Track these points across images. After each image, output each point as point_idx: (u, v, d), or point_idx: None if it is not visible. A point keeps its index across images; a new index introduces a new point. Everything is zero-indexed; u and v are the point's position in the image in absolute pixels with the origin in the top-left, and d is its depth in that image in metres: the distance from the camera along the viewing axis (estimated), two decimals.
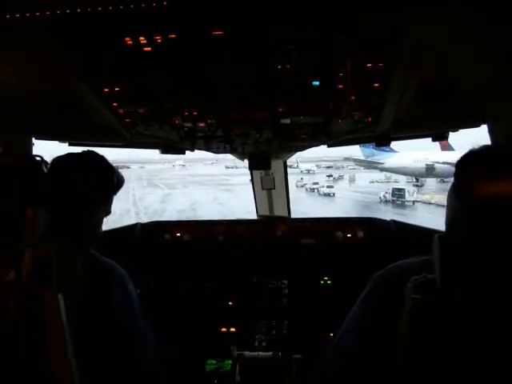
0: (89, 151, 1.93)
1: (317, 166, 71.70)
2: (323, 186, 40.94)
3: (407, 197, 30.45)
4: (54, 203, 1.59)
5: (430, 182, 47.01)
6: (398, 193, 31.67)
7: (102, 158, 1.90)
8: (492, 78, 1.73)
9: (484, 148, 1.49)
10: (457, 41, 1.40)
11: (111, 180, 1.90)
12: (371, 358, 1.44)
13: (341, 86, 1.69)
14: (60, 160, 1.83)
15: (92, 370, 1.44)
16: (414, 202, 30.30)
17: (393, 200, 31.81)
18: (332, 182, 51.45)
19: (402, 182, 49.38)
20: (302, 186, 45.85)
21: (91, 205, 1.84)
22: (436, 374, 1.20)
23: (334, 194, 37.36)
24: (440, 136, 2.43)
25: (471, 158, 1.49)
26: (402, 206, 29.60)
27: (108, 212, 1.97)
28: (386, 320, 1.40)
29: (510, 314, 1.14)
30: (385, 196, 32.70)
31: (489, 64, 1.61)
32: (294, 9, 1.23)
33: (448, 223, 1.27)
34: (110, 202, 1.95)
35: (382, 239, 3.23)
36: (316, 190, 41.72)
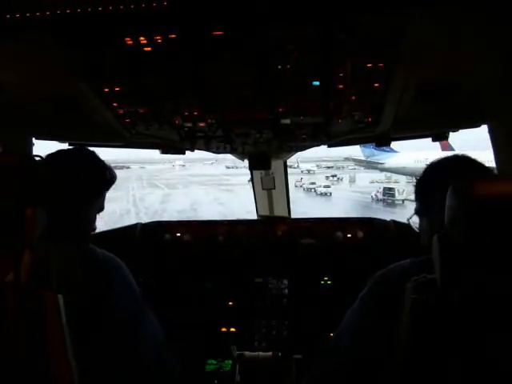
0: (79, 148, 1.98)
1: (317, 166, 71.66)
2: (320, 186, 41.70)
3: (397, 196, 31.41)
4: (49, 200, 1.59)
5: None
6: (389, 192, 32.76)
7: (92, 154, 1.93)
8: (492, 78, 1.73)
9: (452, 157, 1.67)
10: (457, 41, 1.40)
11: (103, 175, 1.92)
12: (369, 357, 1.44)
13: (341, 86, 1.69)
14: (51, 157, 1.86)
15: (93, 368, 1.44)
16: (403, 200, 31.09)
17: (383, 199, 32.84)
18: (337, 182, 51.74)
19: (403, 182, 49.39)
20: (300, 186, 45.99)
21: (84, 199, 1.85)
22: (436, 374, 1.20)
23: (330, 193, 38.27)
24: (440, 136, 2.43)
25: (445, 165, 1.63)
26: (393, 204, 30.56)
27: (101, 208, 1.98)
28: (384, 320, 1.40)
29: (510, 314, 1.13)
30: (376, 195, 33.70)
31: (489, 64, 1.61)
32: (294, 9, 1.23)
33: (447, 223, 1.27)
34: (102, 196, 1.96)
35: (382, 239, 3.22)
36: (313, 190, 42.23)
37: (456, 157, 1.70)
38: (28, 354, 1.27)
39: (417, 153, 43.80)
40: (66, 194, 1.76)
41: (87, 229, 1.90)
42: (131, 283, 1.82)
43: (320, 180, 48.71)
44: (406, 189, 32.07)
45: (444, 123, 2.27)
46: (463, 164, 1.65)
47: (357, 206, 32.13)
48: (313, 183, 44.94)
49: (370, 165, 54.81)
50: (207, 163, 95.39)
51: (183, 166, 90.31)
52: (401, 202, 31.23)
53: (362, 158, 56.00)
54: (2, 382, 1.27)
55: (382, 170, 52.63)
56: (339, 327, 1.64)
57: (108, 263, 1.78)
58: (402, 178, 50.02)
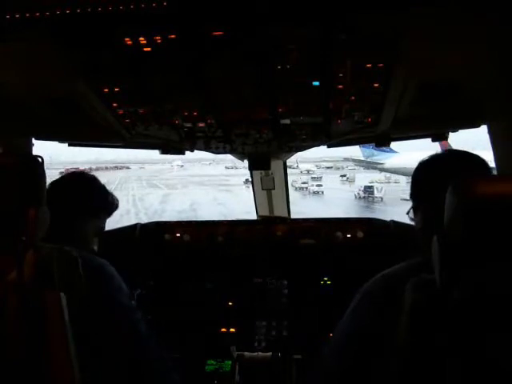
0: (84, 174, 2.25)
1: (316, 166, 71.74)
2: (312, 185, 43.66)
3: (376, 193, 34.33)
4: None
5: None
6: (369, 190, 35.45)
7: (94, 178, 2.21)
8: (492, 78, 1.73)
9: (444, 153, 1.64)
10: (457, 41, 1.40)
11: (102, 197, 2.18)
12: (368, 357, 1.44)
13: (341, 86, 1.69)
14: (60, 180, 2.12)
15: (91, 369, 1.44)
16: (381, 197, 34.08)
17: (364, 196, 35.44)
18: (347, 181, 53.51)
19: (403, 182, 49.47)
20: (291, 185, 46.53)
21: (78, 214, 2.03)
22: (436, 374, 1.20)
23: (322, 192, 40.24)
24: (440, 136, 2.43)
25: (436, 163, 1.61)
26: (373, 201, 33.39)
27: (100, 229, 2.22)
28: (380, 320, 1.40)
29: (510, 314, 1.13)
30: (359, 193, 36.21)
31: (489, 64, 1.61)
32: (294, 9, 1.23)
33: (446, 223, 1.27)
34: (99, 218, 2.18)
35: (382, 239, 3.22)
36: (305, 189, 43.65)
37: (451, 152, 1.67)
38: (30, 353, 1.27)
39: (416, 153, 43.84)
40: (63, 206, 1.91)
41: (81, 238, 2.02)
42: (121, 294, 1.73)
43: (330, 181, 49.96)
44: (384, 187, 35.41)
45: (444, 123, 2.28)
46: (459, 160, 1.61)
47: (345, 203, 34.29)
48: (304, 182, 46.27)
49: (369, 165, 54.84)
50: (205, 163, 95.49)
51: (181, 166, 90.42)
52: (379, 199, 33.93)
53: (362, 159, 56.02)
54: (3, 382, 1.27)
55: (382, 170, 52.65)
56: (336, 329, 1.63)
57: (99, 273, 1.69)
58: (402, 179, 50.09)
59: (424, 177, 1.64)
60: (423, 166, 1.66)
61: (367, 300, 1.56)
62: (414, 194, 1.67)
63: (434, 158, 1.65)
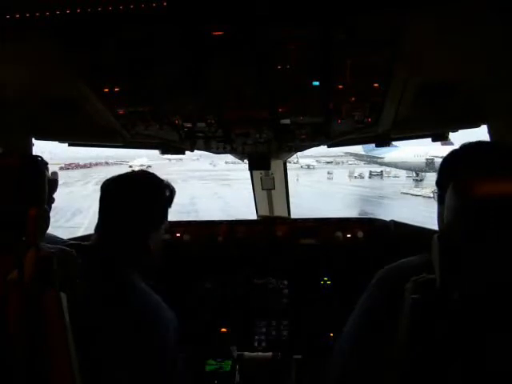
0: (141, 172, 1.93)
1: (317, 161, 71.72)
2: None
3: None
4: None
5: (430, 177, 47.12)
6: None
7: (151, 176, 1.90)
8: (492, 78, 1.73)
9: (475, 143, 1.50)
10: (457, 41, 1.40)
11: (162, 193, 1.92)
12: (372, 357, 1.45)
13: (341, 86, 1.69)
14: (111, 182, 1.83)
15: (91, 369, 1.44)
16: None
17: None
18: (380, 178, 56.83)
19: (403, 176, 49.52)
20: None
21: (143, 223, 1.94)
22: (436, 374, 1.21)
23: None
24: (440, 136, 2.43)
25: (464, 153, 1.50)
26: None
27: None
28: (387, 320, 1.40)
29: (510, 314, 1.14)
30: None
31: (489, 64, 1.61)
32: (294, 9, 1.23)
33: (447, 222, 1.27)
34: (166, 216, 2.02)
35: (382, 239, 3.22)
36: None
37: (484, 143, 1.51)
38: (30, 353, 1.28)
39: (416, 147, 43.90)
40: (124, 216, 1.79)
41: (143, 250, 1.95)
42: (168, 332, 1.74)
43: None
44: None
45: (444, 123, 2.27)
46: (492, 151, 1.47)
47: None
48: None
49: (370, 159, 54.83)
50: (193, 158, 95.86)
51: (170, 160, 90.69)
52: None
53: (363, 153, 56.00)
54: (3, 382, 1.28)
55: (382, 164, 52.65)
56: (346, 325, 1.63)
57: (155, 308, 1.74)
58: (402, 173, 50.10)
59: (455, 166, 1.50)
60: (456, 154, 1.53)
61: (382, 285, 1.55)
62: (443, 183, 1.53)
63: (466, 148, 1.51)
